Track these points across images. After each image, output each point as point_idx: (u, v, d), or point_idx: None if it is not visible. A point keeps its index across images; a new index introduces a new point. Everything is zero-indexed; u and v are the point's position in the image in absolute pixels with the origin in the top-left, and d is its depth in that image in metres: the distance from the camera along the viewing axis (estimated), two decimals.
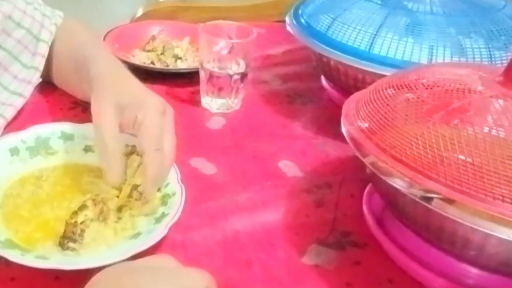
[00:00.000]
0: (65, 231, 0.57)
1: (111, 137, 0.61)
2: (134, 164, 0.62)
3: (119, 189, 0.62)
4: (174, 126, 0.64)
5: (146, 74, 0.86)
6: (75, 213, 0.58)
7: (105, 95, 0.65)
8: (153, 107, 0.62)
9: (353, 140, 0.58)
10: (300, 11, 0.88)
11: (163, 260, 0.46)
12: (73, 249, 0.56)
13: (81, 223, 0.57)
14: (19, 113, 0.79)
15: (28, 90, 0.80)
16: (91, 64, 0.72)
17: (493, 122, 0.53)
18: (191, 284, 0.43)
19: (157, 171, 0.60)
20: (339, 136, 0.60)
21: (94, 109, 0.64)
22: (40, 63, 0.81)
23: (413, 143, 0.53)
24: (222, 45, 0.84)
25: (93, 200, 0.59)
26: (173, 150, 0.63)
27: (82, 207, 0.59)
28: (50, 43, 0.81)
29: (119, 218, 0.60)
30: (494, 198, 0.48)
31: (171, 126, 0.64)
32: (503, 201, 0.47)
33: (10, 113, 0.77)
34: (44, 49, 0.81)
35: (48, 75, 0.84)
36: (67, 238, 0.57)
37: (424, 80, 0.60)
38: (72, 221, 0.57)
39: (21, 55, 0.79)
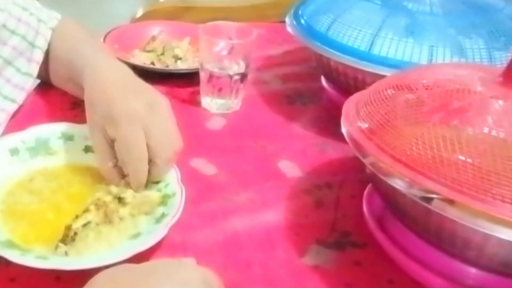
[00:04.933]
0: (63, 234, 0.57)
1: (100, 162, 0.65)
2: None
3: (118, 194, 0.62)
4: (169, 120, 0.65)
5: (146, 75, 0.86)
6: (76, 217, 0.58)
7: (90, 117, 0.66)
8: (124, 118, 0.62)
9: (353, 140, 0.58)
10: (300, 12, 0.88)
11: (163, 260, 0.46)
12: (65, 252, 0.56)
13: (84, 225, 0.57)
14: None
15: (21, 96, 0.80)
16: (83, 68, 0.72)
17: (493, 122, 0.53)
18: (186, 276, 0.43)
19: (140, 179, 0.63)
20: (339, 137, 0.60)
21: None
22: (34, 70, 0.81)
23: (413, 143, 0.53)
24: (222, 45, 0.84)
25: (96, 204, 0.59)
26: (164, 147, 0.63)
27: (85, 211, 0.58)
28: (45, 49, 0.81)
29: (121, 219, 0.60)
30: (494, 198, 0.48)
31: (163, 123, 0.64)
32: (503, 201, 0.47)
33: (1, 118, 0.77)
34: (39, 56, 0.81)
35: (47, 78, 0.84)
36: (60, 241, 0.56)
37: (424, 81, 0.60)
38: (68, 224, 0.57)
39: (16, 60, 0.79)
